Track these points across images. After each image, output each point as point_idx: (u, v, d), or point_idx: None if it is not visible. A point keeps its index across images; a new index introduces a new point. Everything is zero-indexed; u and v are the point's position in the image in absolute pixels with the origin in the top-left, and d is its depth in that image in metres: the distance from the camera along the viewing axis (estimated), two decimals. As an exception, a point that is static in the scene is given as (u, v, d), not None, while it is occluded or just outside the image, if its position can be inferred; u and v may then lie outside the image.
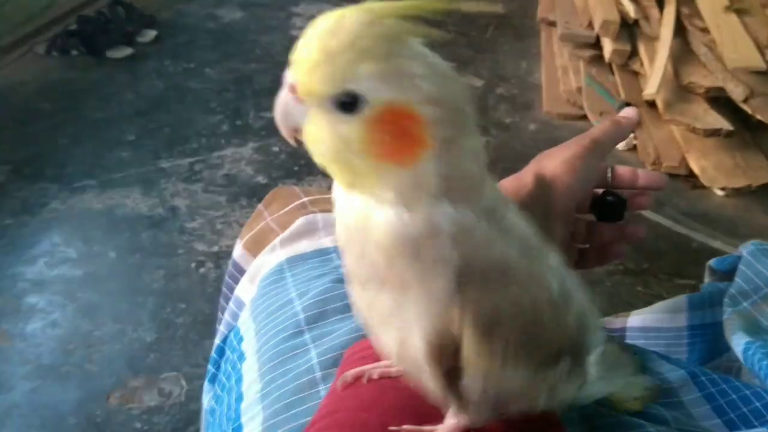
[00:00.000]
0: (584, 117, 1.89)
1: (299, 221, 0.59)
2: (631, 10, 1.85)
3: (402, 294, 0.30)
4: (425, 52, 0.29)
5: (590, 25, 1.97)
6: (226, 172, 1.68)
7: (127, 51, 2.18)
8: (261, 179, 1.66)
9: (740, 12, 1.73)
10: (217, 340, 0.59)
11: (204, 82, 2.07)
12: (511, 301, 0.30)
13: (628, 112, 0.55)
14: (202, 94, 2.01)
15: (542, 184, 0.48)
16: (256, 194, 1.59)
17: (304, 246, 0.57)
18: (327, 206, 0.61)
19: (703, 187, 1.65)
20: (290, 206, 0.61)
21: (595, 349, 0.37)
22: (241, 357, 0.52)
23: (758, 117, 1.55)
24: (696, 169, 1.64)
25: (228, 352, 0.56)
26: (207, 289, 1.34)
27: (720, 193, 1.64)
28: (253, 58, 2.20)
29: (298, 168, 1.70)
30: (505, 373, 0.31)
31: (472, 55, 2.20)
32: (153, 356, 1.20)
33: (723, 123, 1.60)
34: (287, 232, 0.58)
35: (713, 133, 1.60)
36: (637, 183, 0.54)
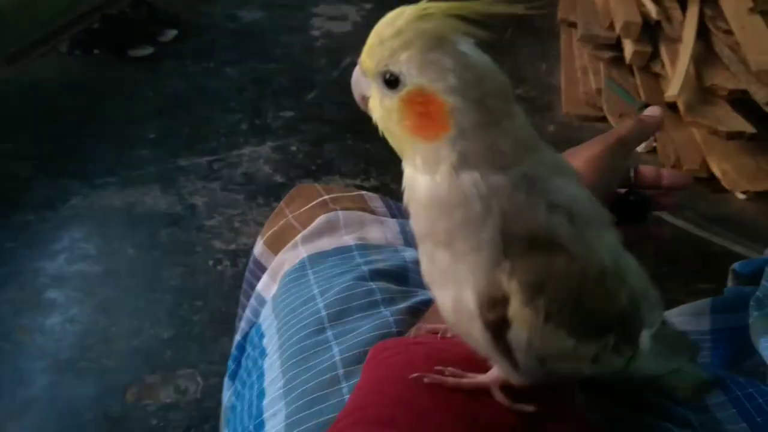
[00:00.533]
0: (604, 119, 1.88)
1: (320, 219, 0.59)
2: (653, 11, 1.83)
3: (450, 249, 0.33)
4: (467, 49, 0.33)
5: (611, 27, 1.95)
6: (245, 171, 1.69)
7: (149, 50, 2.20)
8: (279, 178, 1.66)
9: (765, 14, 1.70)
10: (237, 337, 0.59)
11: (224, 82, 2.08)
12: (558, 265, 0.32)
13: (653, 111, 0.54)
14: (222, 94, 2.02)
15: None
16: (273, 193, 1.60)
17: (326, 243, 0.57)
18: (348, 204, 0.61)
19: (724, 190, 1.63)
20: (311, 204, 0.61)
21: (651, 326, 0.37)
22: (263, 353, 0.52)
23: (782, 120, 1.53)
24: (717, 172, 1.62)
25: (249, 349, 0.56)
26: (224, 286, 1.34)
27: (741, 196, 1.62)
28: (272, 58, 2.21)
29: (316, 167, 1.70)
30: (548, 333, 0.32)
31: (491, 57, 2.19)
32: (170, 353, 1.20)
33: (746, 126, 1.58)
34: (308, 229, 0.58)
35: (736, 135, 1.58)
36: (661, 183, 0.54)
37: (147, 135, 1.81)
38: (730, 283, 0.71)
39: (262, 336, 0.54)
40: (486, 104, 0.32)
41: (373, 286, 0.51)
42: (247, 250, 1.40)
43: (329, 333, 0.48)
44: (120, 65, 2.14)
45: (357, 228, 0.58)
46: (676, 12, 1.86)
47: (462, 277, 0.33)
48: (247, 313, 0.60)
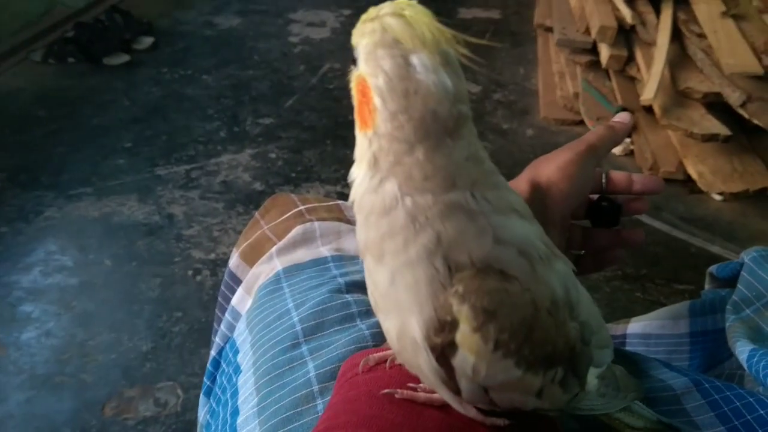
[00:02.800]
0: (581, 122, 1.89)
1: (296, 230, 0.58)
2: (627, 15, 1.85)
3: (385, 265, 0.32)
4: (418, 64, 0.31)
5: (587, 31, 1.97)
6: (223, 179, 1.67)
7: (124, 58, 2.18)
8: (258, 186, 1.65)
9: (737, 17, 1.73)
10: (212, 352, 0.58)
11: (201, 89, 2.07)
12: (511, 293, 0.31)
13: (623, 117, 0.55)
14: (200, 101, 2.00)
15: (538, 190, 0.48)
16: (253, 201, 1.59)
17: (301, 255, 0.56)
18: (324, 214, 0.60)
19: (700, 191, 1.65)
20: (287, 215, 0.60)
21: (601, 365, 0.37)
22: (237, 370, 0.51)
23: (755, 122, 1.55)
24: (693, 174, 1.64)
25: (223, 365, 0.55)
26: (204, 297, 1.33)
27: (717, 197, 1.64)
28: (250, 65, 2.19)
29: (296, 174, 1.69)
30: (495, 361, 0.32)
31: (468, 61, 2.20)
32: (149, 366, 1.19)
33: (720, 128, 1.60)
34: (284, 241, 0.57)
35: (711, 137, 1.60)
36: (632, 188, 0.54)
37: (123, 144, 1.79)
38: (707, 285, 0.71)
39: (236, 352, 0.53)
40: (400, 121, 0.31)
41: (349, 299, 0.50)
42: (227, 260, 1.39)
43: (304, 348, 0.47)
44: (95, 74, 2.12)
45: (333, 239, 0.58)
46: (650, 16, 1.88)
47: (403, 302, 0.32)
48: (222, 327, 0.58)
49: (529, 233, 0.34)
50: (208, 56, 2.25)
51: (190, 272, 1.39)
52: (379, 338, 0.46)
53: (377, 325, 0.47)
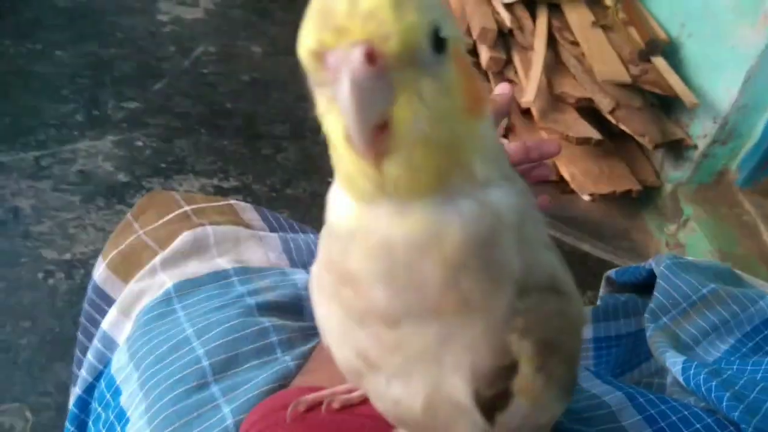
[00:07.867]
0: (462, 121, 1.92)
1: (184, 236, 0.48)
2: (507, 19, 1.90)
3: (453, 320, 0.23)
4: None
5: (467, 32, 2.00)
6: (80, 168, 1.49)
7: (-44, 25, 1.89)
8: (122, 177, 1.49)
9: (605, 28, 1.83)
10: (77, 389, 0.46)
11: (53, 66, 1.84)
12: (564, 315, 0.26)
13: (502, 88, 0.53)
14: (52, 80, 1.78)
15: None
16: (116, 194, 1.43)
17: (194, 268, 0.46)
18: (216, 217, 0.51)
19: (572, 192, 1.73)
20: (169, 216, 0.50)
21: None
22: (121, 416, 0.41)
23: (623, 127, 1.65)
24: (566, 176, 1.71)
25: (98, 408, 0.44)
26: (57, 303, 1.16)
27: (587, 198, 1.73)
28: (112, 43, 1.99)
29: (166, 165, 1.54)
30: (550, 402, 0.26)
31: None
32: (-12, 385, 1.01)
33: (593, 132, 1.68)
34: (169, 250, 0.47)
35: (584, 141, 1.68)
36: (530, 156, 0.52)
37: (-45, 125, 1.54)
38: (602, 290, 0.72)
39: (117, 392, 0.42)
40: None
41: (267, 324, 0.42)
42: (85, 260, 1.23)
43: (214, 388, 0.38)
44: None
45: (231, 247, 0.49)
46: (527, 21, 1.94)
47: (445, 356, 0.24)
48: (90, 357, 0.47)
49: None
50: (62, 30, 2.00)
51: (40, 275, 1.21)
52: None
53: (303, 355, 0.39)
